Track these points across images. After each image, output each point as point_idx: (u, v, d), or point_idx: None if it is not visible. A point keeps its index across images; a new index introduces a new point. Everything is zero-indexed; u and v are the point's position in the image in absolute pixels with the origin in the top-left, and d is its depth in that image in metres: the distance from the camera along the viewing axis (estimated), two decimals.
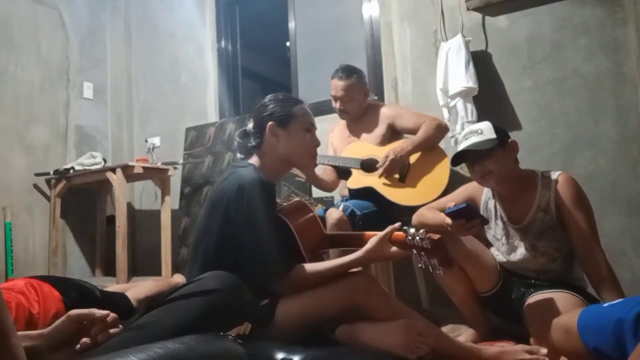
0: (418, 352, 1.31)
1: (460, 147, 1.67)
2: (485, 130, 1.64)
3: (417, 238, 1.32)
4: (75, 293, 1.47)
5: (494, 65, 2.50)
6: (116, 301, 1.56)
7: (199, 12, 3.68)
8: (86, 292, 1.51)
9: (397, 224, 1.42)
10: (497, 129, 1.65)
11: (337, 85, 2.35)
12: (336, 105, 2.39)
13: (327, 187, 2.45)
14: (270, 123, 1.54)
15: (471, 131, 1.66)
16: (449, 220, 1.53)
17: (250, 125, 1.64)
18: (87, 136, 3.73)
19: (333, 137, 2.54)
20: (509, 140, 1.67)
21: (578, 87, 2.31)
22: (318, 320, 1.38)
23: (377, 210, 2.17)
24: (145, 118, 3.95)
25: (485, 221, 1.59)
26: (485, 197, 1.81)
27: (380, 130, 2.35)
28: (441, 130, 2.26)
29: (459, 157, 1.69)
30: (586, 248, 1.58)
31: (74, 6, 3.72)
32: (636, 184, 2.18)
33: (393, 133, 2.35)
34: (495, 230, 1.79)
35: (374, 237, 1.41)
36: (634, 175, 2.19)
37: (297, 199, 1.73)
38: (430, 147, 2.24)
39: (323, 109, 2.87)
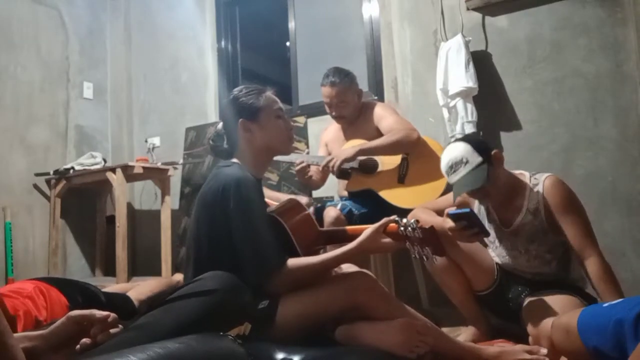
0: (418, 350, 1.31)
1: (453, 181, 1.64)
2: (470, 157, 1.60)
3: (409, 228, 1.32)
4: (81, 297, 1.47)
5: (494, 65, 2.50)
6: (119, 304, 1.56)
7: (199, 12, 3.68)
8: (91, 295, 1.51)
9: (393, 217, 1.42)
10: (477, 147, 1.61)
11: (330, 92, 2.27)
12: (331, 111, 2.34)
13: (315, 184, 2.42)
14: (240, 120, 1.53)
15: (455, 163, 1.61)
16: (451, 224, 1.53)
17: (220, 126, 1.63)
18: (87, 136, 3.73)
19: (327, 136, 2.49)
20: (493, 153, 1.64)
21: (578, 87, 2.31)
22: (318, 320, 1.38)
23: (375, 211, 2.16)
24: (145, 118, 3.95)
25: (486, 233, 1.57)
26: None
27: (372, 130, 2.30)
28: (404, 143, 2.17)
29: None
30: (582, 249, 1.58)
31: (74, 6, 3.73)
32: (636, 184, 2.18)
33: (381, 134, 2.31)
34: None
35: (367, 229, 1.41)
36: (634, 175, 2.19)
37: (290, 197, 1.72)
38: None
39: (323, 109, 2.87)
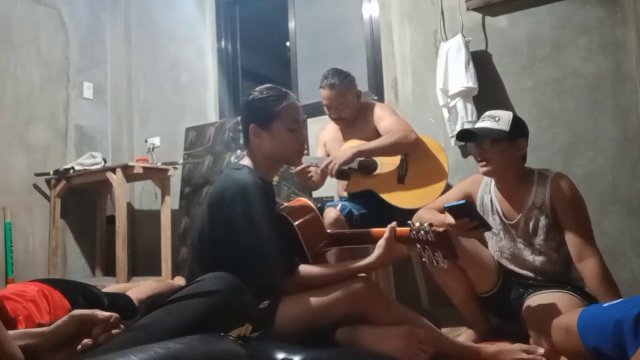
0: (417, 359, 1.31)
1: (476, 125, 1.69)
2: (503, 119, 1.65)
3: (422, 232, 1.31)
4: (84, 299, 1.47)
5: (494, 65, 2.50)
6: (121, 304, 1.56)
7: (199, 12, 3.68)
8: (94, 297, 1.51)
9: (394, 223, 1.42)
10: (515, 123, 1.65)
11: (329, 94, 2.26)
12: (331, 113, 2.32)
13: (314, 185, 2.41)
14: (252, 125, 1.52)
15: (490, 115, 1.68)
16: (450, 220, 1.52)
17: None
18: (87, 136, 3.73)
19: (325, 136, 2.48)
20: (520, 138, 1.67)
21: (578, 87, 2.31)
22: (317, 324, 1.37)
23: (375, 211, 2.16)
24: (145, 118, 3.95)
25: (487, 227, 1.56)
26: (482, 192, 1.82)
27: (371, 130, 2.29)
28: (402, 144, 2.17)
29: (467, 135, 1.71)
30: (580, 249, 1.58)
31: (74, 6, 3.72)
32: (636, 184, 2.19)
33: (380, 134, 2.29)
34: (492, 225, 1.79)
35: (380, 241, 1.39)
36: (634, 175, 2.19)
37: (299, 198, 1.73)
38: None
39: (323, 109, 2.87)
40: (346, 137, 2.37)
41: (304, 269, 1.40)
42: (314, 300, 1.37)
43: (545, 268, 1.70)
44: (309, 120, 2.92)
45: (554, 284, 1.66)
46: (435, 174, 2.20)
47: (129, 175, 3.11)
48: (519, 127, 1.66)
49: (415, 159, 2.23)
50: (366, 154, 2.19)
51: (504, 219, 1.74)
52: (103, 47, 3.93)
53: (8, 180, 3.22)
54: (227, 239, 1.42)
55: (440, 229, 1.30)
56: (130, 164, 3.11)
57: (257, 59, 5.02)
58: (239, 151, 1.61)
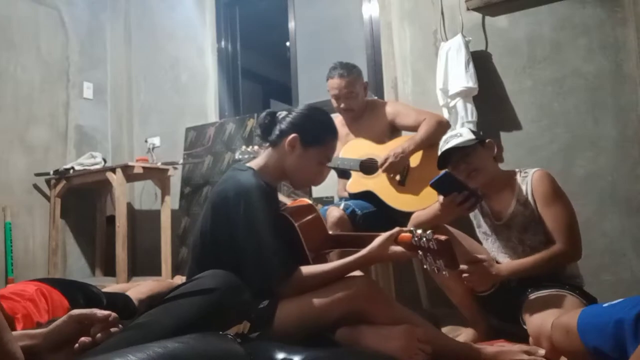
0: (417, 358, 1.31)
1: (444, 148, 1.71)
2: (464, 133, 1.72)
3: (424, 239, 1.30)
4: (83, 299, 1.47)
5: (494, 65, 2.50)
6: (120, 304, 1.56)
7: (199, 12, 3.68)
8: (93, 297, 1.51)
9: (407, 228, 1.41)
10: (474, 132, 1.74)
11: (340, 84, 2.29)
12: (339, 104, 2.34)
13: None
14: (294, 135, 1.51)
15: (451, 135, 1.74)
16: (440, 198, 1.60)
17: (282, 115, 1.58)
18: (87, 136, 3.73)
19: None
20: (487, 140, 1.75)
21: (578, 87, 2.31)
22: (317, 324, 1.37)
23: (377, 211, 2.16)
24: (145, 118, 3.95)
25: (477, 196, 1.63)
26: None
27: (380, 127, 2.32)
28: (442, 126, 2.22)
29: (445, 159, 1.74)
30: (556, 237, 1.62)
31: (74, 6, 3.73)
32: (636, 184, 2.18)
33: (393, 131, 2.34)
34: (484, 227, 1.84)
35: (379, 237, 1.39)
36: (634, 175, 2.19)
37: (301, 199, 1.72)
38: (431, 145, 2.21)
39: (324, 109, 2.86)
40: (353, 130, 2.39)
41: (299, 271, 1.39)
42: (314, 300, 1.36)
43: None
44: None
45: (553, 283, 1.66)
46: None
47: (129, 175, 3.11)
48: (478, 133, 1.77)
49: (416, 160, 2.23)
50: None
51: (494, 220, 1.78)
52: (103, 47, 3.93)
53: (8, 180, 3.22)
54: (228, 240, 1.42)
55: (443, 237, 1.29)
56: (130, 164, 3.11)
57: (257, 59, 5.03)
58: (249, 147, 1.59)
